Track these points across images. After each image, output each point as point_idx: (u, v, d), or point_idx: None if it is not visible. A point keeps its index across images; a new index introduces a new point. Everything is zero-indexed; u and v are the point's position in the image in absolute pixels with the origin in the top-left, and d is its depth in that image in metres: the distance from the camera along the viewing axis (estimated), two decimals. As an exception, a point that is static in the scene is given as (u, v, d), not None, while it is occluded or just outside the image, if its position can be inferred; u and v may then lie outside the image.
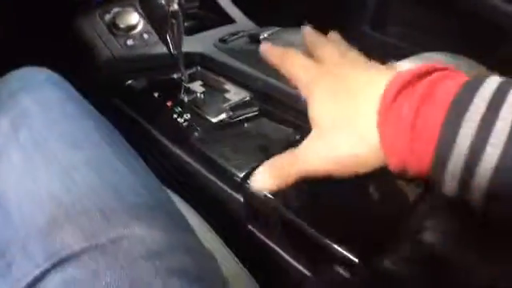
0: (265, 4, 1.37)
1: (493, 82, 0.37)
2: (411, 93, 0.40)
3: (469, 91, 0.37)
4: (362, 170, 0.45)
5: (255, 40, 0.85)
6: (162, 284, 0.38)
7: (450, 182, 0.38)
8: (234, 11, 1.04)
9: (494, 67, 1.05)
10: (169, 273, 0.39)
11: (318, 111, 0.50)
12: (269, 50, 0.59)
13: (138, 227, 0.42)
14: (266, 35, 0.83)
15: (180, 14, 0.75)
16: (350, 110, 0.45)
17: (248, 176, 0.67)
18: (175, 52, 0.79)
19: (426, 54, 1.12)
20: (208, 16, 1.07)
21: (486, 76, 0.38)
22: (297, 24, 0.85)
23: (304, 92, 0.52)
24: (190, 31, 0.98)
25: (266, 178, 0.51)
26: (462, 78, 0.39)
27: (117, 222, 0.42)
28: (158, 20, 0.77)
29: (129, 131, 0.65)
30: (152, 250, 0.40)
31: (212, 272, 0.47)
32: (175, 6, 0.74)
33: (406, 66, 0.97)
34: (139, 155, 0.58)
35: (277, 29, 0.87)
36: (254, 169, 0.67)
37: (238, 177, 0.67)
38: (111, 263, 0.38)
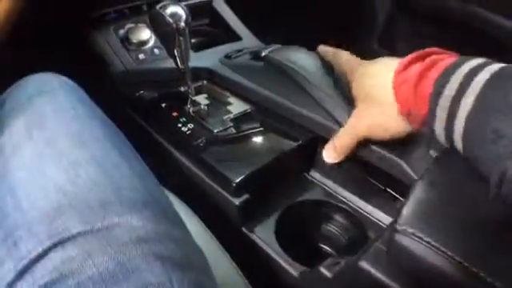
0: (274, 22, 1.44)
1: (476, 60, 0.53)
2: (418, 64, 0.59)
3: (457, 65, 0.53)
4: (387, 135, 0.67)
5: (257, 57, 0.90)
6: (146, 266, 0.43)
7: (439, 122, 0.54)
8: (241, 29, 1.10)
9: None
10: (154, 257, 0.44)
11: (356, 90, 0.70)
12: (324, 49, 0.84)
13: (130, 217, 0.47)
14: (267, 52, 0.88)
15: (187, 31, 0.81)
16: (377, 86, 0.66)
17: (243, 182, 0.72)
18: (182, 67, 0.85)
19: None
20: (216, 33, 1.13)
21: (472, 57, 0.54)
22: (307, 41, 0.91)
23: (349, 78, 0.73)
24: (199, 47, 1.04)
25: (330, 153, 0.72)
26: (455, 58, 0.56)
27: (112, 212, 0.46)
28: (166, 37, 0.83)
29: (137, 137, 0.70)
30: (141, 237, 0.45)
31: (198, 264, 0.51)
32: (182, 24, 0.80)
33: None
34: (145, 159, 0.63)
35: (277, 46, 0.92)
36: (248, 175, 0.73)
37: (233, 182, 0.72)
38: (103, 246, 0.43)
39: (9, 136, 0.58)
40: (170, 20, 0.79)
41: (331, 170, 0.81)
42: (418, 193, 0.56)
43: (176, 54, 0.83)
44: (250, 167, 0.74)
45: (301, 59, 0.84)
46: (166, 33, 0.82)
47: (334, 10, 1.56)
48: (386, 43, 1.54)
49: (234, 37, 1.09)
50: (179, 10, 0.81)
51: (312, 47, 0.89)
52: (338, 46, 0.84)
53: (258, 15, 1.29)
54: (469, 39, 1.30)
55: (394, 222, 0.54)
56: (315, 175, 0.83)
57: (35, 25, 0.98)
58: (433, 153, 0.69)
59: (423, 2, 1.41)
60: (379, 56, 1.53)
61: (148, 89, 0.94)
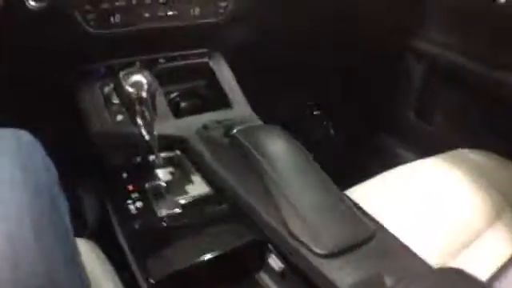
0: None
1: None
2: None
3: None
4: None
5: (228, 134, 0.83)
6: None
7: None
8: (235, 95, 1.03)
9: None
10: None
11: None
12: None
13: None
14: (236, 131, 0.81)
15: (149, 100, 0.75)
16: None
17: (164, 282, 0.65)
18: (148, 137, 0.79)
19: (460, 151, 1.04)
20: (210, 97, 1.06)
21: None
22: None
23: None
24: (189, 111, 0.99)
25: None
26: None
27: None
28: (128, 105, 0.78)
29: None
30: None
31: None
32: (143, 94, 0.75)
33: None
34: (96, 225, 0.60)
35: (256, 124, 0.85)
36: (173, 274, 0.65)
37: (150, 281, 0.64)
38: None
39: None
40: (130, 89, 0.75)
41: (276, 278, 0.71)
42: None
43: (139, 124, 0.78)
44: (179, 264, 0.67)
45: (271, 148, 0.78)
46: (127, 101, 0.77)
47: (366, 78, 1.47)
48: (424, 113, 1.42)
49: (226, 103, 1.02)
50: (142, 78, 0.76)
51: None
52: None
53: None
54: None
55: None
56: (260, 279, 0.73)
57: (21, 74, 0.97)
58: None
59: (460, 71, 1.28)
60: (416, 127, 1.42)
61: (121, 152, 0.89)
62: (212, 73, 1.06)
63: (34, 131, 0.70)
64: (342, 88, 1.55)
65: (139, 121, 0.78)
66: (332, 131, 1.61)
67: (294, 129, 0.95)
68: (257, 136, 0.79)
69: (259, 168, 0.75)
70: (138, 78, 0.76)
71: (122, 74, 0.77)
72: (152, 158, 0.86)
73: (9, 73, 0.93)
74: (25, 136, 0.69)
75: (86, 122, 0.94)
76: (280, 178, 0.72)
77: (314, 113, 1.62)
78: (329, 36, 1.33)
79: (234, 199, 0.75)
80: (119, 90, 0.78)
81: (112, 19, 0.92)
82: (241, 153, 0.79)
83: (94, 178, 0.97)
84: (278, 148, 0.78)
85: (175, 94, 1.02)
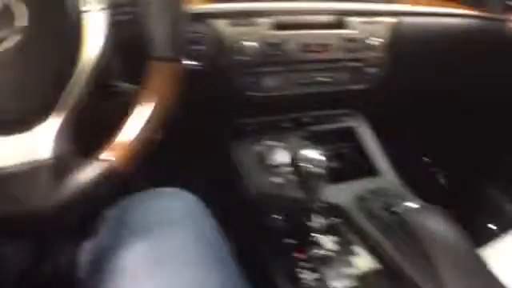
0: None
1: None
2: None
3: None
4: None
5: (389, 210, 0.85)
6: None
7: None
8: (380, 162, 1.06)
9: None
10: None
11: None
12: None
13: None
14: (400, 210, 0.83)
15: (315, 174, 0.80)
16: None
17: None
18: (311, 204, 0.83)
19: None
20: (354, 160, 1.09)
21: None
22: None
23: None
24: (335, 174, 1.01)
25: None
26: None
27: None
28: (298, 177, 0.82)
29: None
30: None
31: None
32: (318, 170, 0.79)
33: None
34: None
35: (414, 206, 0.87)
36: None
37: None
38: None
39: (129, 261, 0.60)
40: (307, 166, 0.79)
41: None
42: None
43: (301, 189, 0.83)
44: None
45: (436, 231, 0.79)
46: (298, 174, 0.81)
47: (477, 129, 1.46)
48: None
49: (373, 170, 1.04)
50: (317, 155, 0.81)
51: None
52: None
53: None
54: None
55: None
56: None
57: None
58: None
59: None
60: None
61: (277, 214, 0.91)
62: (355, 136, 1.09)
63: (189, 185, 0.74)
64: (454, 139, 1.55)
65: (302, 187, 0.83)
66: (443, 180, 1.61)
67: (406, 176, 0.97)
68: (420, 217, 0.81)
69: (426, 251, 0.75)
70: (312, 154, 0.80)
71: (298, 149, 0.81)
72: (312, 223, 0.89)
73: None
74: (190, 199, 0.72)
75: (240, 180, 0.98)
76: (449, 264, 0.74)
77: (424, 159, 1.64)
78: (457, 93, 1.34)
79: (403, 279, 0.77)
80: (293, 163, 0.82)
81: (269, 83, 0.97)
82: (404, 231, 0.80)
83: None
84: (442, 232, 0.79)
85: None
